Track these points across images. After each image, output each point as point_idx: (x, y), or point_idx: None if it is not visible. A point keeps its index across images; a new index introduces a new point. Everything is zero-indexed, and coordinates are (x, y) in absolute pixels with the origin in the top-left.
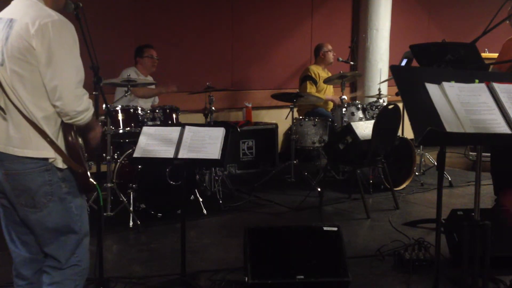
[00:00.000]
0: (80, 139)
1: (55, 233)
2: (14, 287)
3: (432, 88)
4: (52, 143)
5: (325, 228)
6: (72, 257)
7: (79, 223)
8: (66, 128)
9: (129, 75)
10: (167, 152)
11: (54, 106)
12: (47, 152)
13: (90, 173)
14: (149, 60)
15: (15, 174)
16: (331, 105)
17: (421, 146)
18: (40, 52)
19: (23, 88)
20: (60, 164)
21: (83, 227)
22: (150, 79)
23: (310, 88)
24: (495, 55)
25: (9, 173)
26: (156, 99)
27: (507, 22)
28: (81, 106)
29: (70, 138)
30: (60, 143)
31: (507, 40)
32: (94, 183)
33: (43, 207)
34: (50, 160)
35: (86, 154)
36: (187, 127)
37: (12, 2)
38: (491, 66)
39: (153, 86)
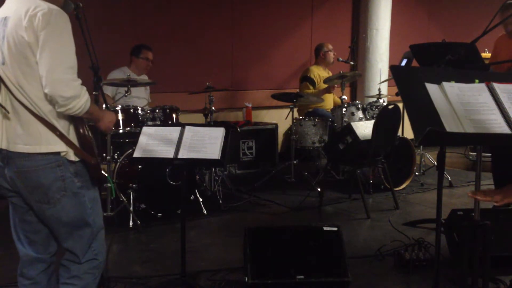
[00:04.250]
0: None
1: (70, 227)
2: (18, 286)
3: (432, 88)
4: (62, 137)
5: (325, 228)
6: (89, 251)
7: (93, 216)
8: (77, 120)
9: (129, 76)
10: (167, 152)
11: (45, 94)
12: (58, 146)
13: None
14: (144, 62)
15: (27, 171)
16: (331, 105)
17: (421, 146)
18: (33, 43)
19: (28, 83)
20: (72, 156)
21: (97, 220)
22: (145, 78)
23: (307, 90)
24: None
25: (21, 171)
26: (149, 98)
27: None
28: (69, 92)
29: (81, 130)
30: (72, 136)
31: (497, 38)
32: (106, 175)
33: (57, 202)
34: (62, 154)
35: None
36: (187, 127)
37: (6, 1)
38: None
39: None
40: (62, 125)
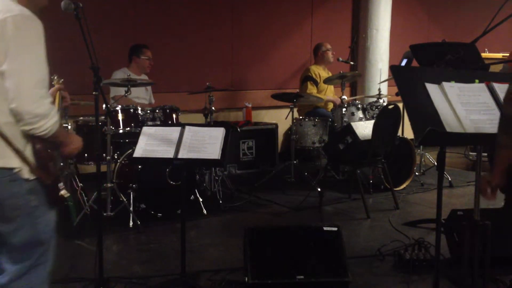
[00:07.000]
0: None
1: (22, 248)
2: None
3: (432, 88)
4: (17, 152)
5: (325, 228)
6: (37, 262)
7: (47, 234)
8: (36, 136)
9: (129, 75)
10: (167, 152)
11: (10, 109)
12: (12, 161)
13: (88, 174)
14: (147, 62)
15: None
16: (331, 105)
17: (421, 146)
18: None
19: None
20: (26, 174)
21: (50, 236)
22: (145, 78)
23: (311, 89)
24: (495, 55)
25: None
26: (152, 99)
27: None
28: (40, 109)
29: (38, 146)
30: (28, 152)
31: None
32: (67, 195)
33: (11, 221)
34: (15, 170)
35: (61, 164)
36: (187, 127)
37: None
38: (502, 65)
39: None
40: (18, 140)
